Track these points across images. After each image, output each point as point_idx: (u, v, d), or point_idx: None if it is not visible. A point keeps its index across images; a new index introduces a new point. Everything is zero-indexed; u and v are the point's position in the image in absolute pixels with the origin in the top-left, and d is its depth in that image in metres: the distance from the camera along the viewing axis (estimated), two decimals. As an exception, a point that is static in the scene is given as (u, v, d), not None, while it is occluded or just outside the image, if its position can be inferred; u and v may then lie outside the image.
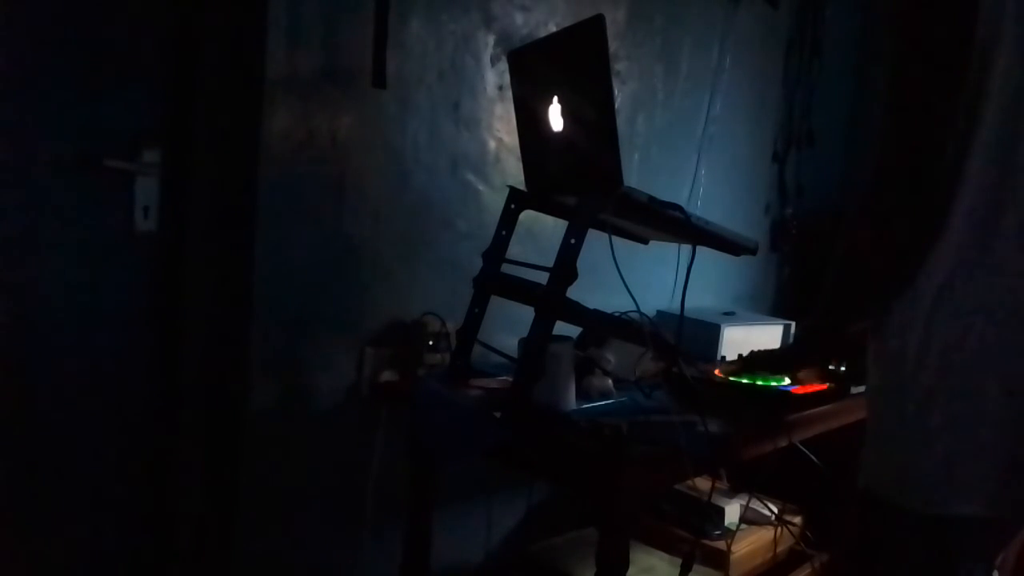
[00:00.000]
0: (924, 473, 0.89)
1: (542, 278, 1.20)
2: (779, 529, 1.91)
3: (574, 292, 1.16)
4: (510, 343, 1.34)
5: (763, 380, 1.41)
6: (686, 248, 1.31)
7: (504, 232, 1.39)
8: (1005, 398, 0.86)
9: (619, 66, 1.96)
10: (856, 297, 1.01)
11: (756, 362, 1.36)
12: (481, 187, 1.71)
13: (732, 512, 1.89)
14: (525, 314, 1.18)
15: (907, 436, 0.91)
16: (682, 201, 1.29)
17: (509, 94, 1.52)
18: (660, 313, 1.82)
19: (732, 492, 1.98)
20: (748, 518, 1.88)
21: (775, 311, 2.61)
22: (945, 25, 0.85)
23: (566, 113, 1.21)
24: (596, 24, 1.09)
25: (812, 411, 1.41)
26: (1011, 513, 0.89)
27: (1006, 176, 0.86)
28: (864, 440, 0.98)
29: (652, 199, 1.15)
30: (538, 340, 1.16)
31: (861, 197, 0.96)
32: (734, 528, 1.83)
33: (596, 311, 1.26)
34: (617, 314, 1.30)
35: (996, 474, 0.86)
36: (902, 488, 0.91)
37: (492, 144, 1.73)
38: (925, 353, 0.89)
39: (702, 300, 2.17)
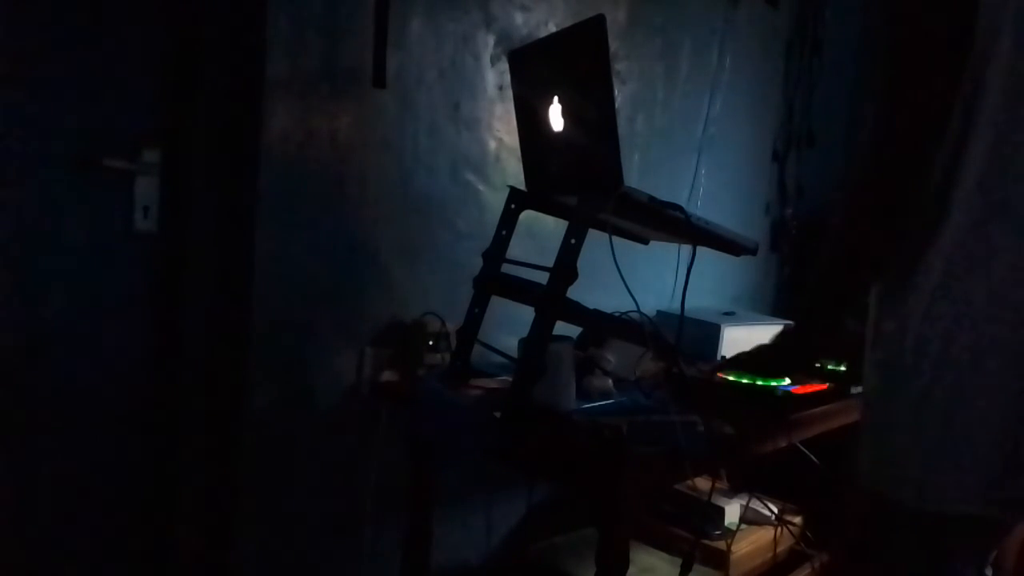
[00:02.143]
0: (918, 468, 0.89)
1: (542, 278, 1.20)
2: (779, 529, 1.91)
3: (574, 292, 1.16)
4: (510, 343, 1.34)
5: (763, 380, 1.41)
6: (686, 248, 1.30)
7: (504, 232, 1.39)
8: (1003, 392, 0.85)
9: (619, 66, 1.96)
10: (847, 290, 1.01)
11: (749, 363, 1.35)
12: (481, 187, 1.71)
13: (732, 512, 1.89)
14: (525, 314, 1.18)
15: (902, 431, 0.90)
16: (682, 201, 1.29)
17: (509, 94, 1.52)
18: (660, 313, 1.83)
19: (732, 492, 1.98)
20: (748, 518, 1.88)
21: (775, 311, 2.61)
22: (945, 16, 0.85)
23: (566, 113, 1.21)
24: (596, 24, 1.09)
25: (812, 411, 1.41)
26: (1004, 511, 0.88)
27: (1006, 165, 0.85)
28: (859, 436, 0.98)
29: (652, 199, 1.15)
30: (538, 340, 1.16)
31: (854, 189, 0.96)
32: (734, 528, 1.83)
33: (596, 311, 1.26)
34: (617, 314, 1.30)
35: (991, 470, 0.86)
36: (896, 483, 0.91)
37: (492, 144, 1.73)
38: (923, 347, 0.88)
39: (702, 300, 2.17)
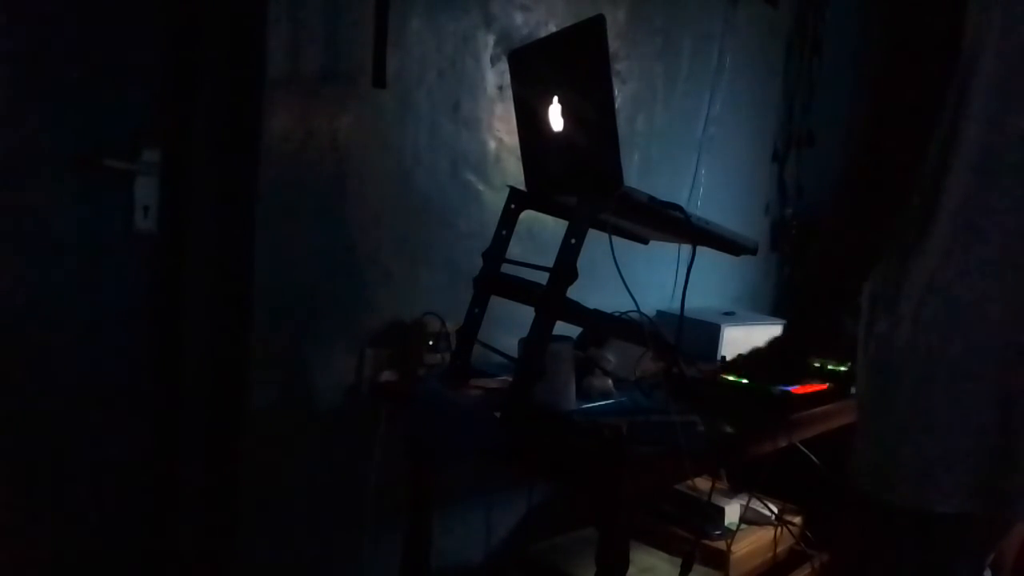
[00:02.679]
0: (912, 469, 0.89)
1: (542, 278, 1.20)
2: (779, 529, 1.91)
3: (574, 292, 1.16)
4: (510, 343, 1.34)
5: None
6: (686, 248, 1.31)
7: (504, 232, 1.39)
8: (994, 392, 0.85)
9: (619, 66, 1.96)
10: (841, 288, 1.01)
11: (748, 365, 1.35)
12: (481, 187, 1.71)
13: (732, 512, 1.88)
14: (525, 314, 1.18)
15: (895, 432, 0.90)
16: (682, 201, 1.29)
17: (509, 94, 1.52)
18: (660, 313, 1.83)
19: (732, 492, 1.98)
20: (748, 518, 1.88)
21: (775, 311, 2.61)
22: (936, 21, 0.86)
23: (566, 113, 1.21)
24: (596, 24, 1.09)
25: (812, 411, 1.41)
26: (999, 510, 0.88)
27: (996, 162, 0.85)
28: (853, 437, 0.98)
29: (652, 199, 1.15)
30: (538, 340, 1.16)
31: (849, 187, 0.96)
32: (734, 528, 1.83)
33: (596, 311, 1.26)
34: (617, 314, 1.30)
35: (984, 469, 0.86)
36: (891, 485, 0.91)
37: (492, 144, 1.73)
38: (915, 347, 0.89)
39: (702, 300, 2.17)
